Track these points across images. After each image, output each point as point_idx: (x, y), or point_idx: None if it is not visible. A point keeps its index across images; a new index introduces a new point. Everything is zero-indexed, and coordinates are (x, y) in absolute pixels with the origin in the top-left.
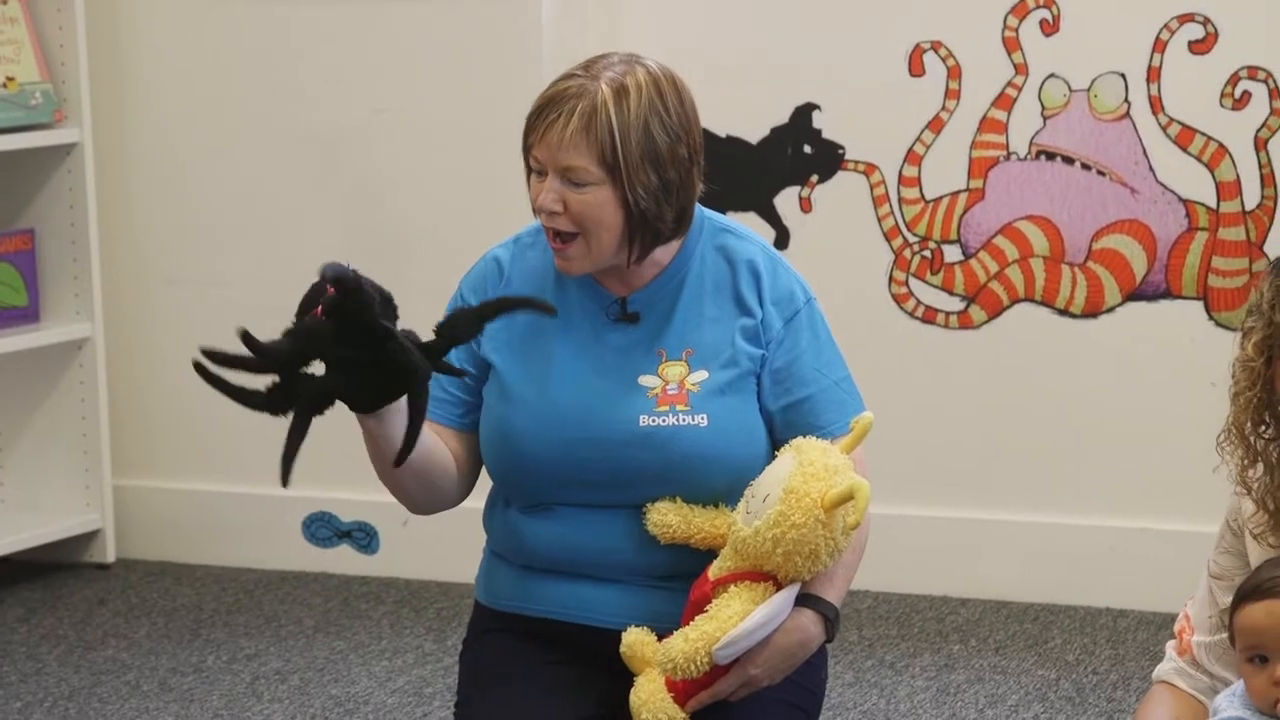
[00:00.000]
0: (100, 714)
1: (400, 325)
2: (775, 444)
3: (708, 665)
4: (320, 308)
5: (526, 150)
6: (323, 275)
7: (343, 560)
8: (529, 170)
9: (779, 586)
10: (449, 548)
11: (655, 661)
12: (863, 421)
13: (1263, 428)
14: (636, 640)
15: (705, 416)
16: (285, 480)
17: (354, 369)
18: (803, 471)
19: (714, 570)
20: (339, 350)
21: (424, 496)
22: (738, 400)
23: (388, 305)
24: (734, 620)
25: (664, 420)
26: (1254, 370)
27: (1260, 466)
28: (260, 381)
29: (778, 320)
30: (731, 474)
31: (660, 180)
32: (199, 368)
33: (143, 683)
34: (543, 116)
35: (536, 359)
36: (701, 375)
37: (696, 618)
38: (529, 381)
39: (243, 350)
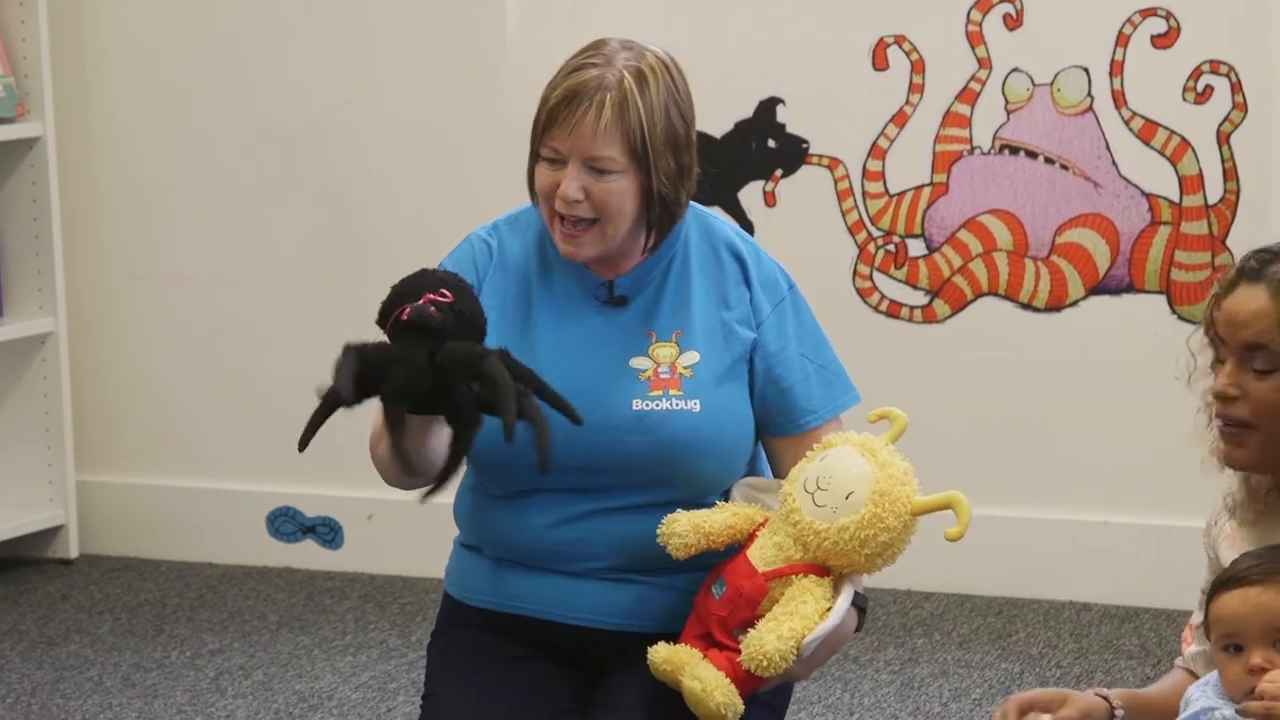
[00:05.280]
0: (63, 710)
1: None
2: (756, 427)
3: (793, 660)
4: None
5: (540, 139)
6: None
7: (307, 555)
8: (537, 158)
9: (834, 580)
10: (413, 543)
11: (744, 659)
12: (900, 421)
13: None
14: (669, 652)
15: (698, 402)
16: (303, 445)
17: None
18: (887, 473)
19: (761, 561)
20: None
21: (409, 483)
22: (730, 386)
23: (465, 325)
24: (814, 618)
25: (656, 405)
26: None
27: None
28: None
29: (766, 305)
30: (721, 460)
31: (677, 164)
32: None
33: (106, 678)
34: (571, 107)
35: (525, 344)
36: (692, 357)
37: (776, 612)
38: None
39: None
